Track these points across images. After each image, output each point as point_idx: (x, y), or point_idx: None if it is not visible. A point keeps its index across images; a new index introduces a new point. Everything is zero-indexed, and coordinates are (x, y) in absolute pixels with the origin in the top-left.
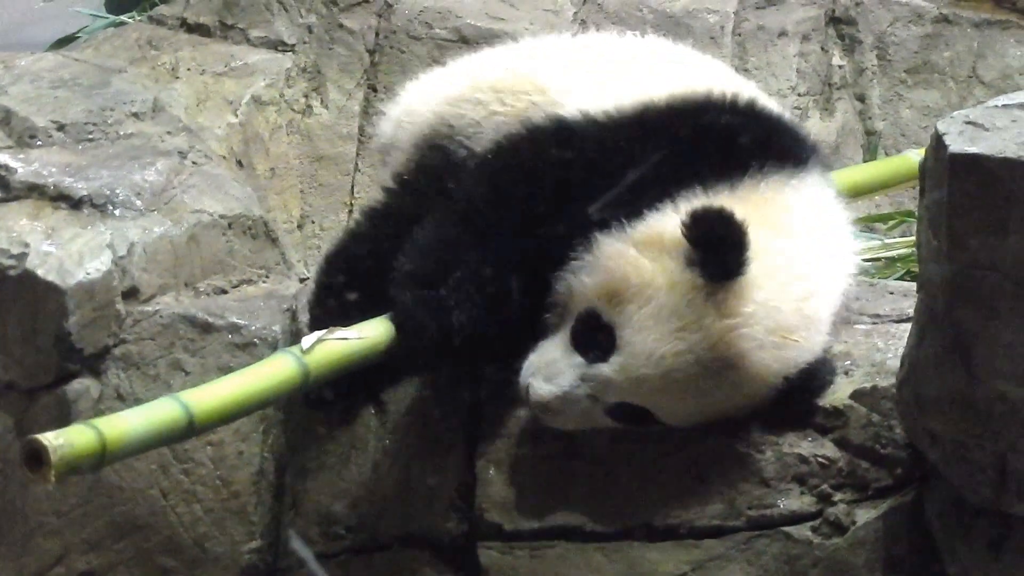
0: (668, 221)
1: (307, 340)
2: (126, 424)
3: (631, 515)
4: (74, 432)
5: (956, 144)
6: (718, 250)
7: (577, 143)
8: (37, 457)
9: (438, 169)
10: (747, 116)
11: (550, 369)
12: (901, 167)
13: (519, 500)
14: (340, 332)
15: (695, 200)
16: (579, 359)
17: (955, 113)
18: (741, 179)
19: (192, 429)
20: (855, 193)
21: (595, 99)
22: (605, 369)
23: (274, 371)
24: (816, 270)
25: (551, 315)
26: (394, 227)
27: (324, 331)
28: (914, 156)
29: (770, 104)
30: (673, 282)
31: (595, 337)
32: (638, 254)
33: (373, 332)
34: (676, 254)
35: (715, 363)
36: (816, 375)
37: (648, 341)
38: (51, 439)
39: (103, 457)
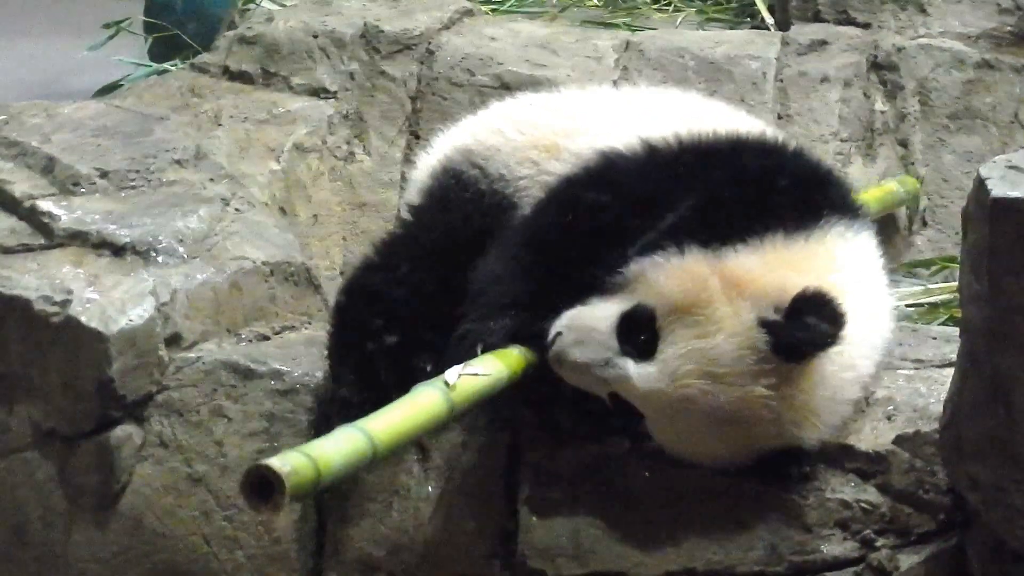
0: (755, 264)
1: (451, 374)
2: (328, 452)
3: (673, 560)
4: (294, 458)
5: (998, 188)
6: (804, 339)
7: (645, 167)
8: (260, 487)
9: (449, 191)
10: (810, 164)
11: (586, 335)
12: None
13: (561, 546)
14: (471, 368)
15: (778, 244)
16: (615, 343)
17: (997, 158)
18: (813, 229)
19: (375, 459)
20: None
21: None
22: (632, 369)
23: (428, 405)
24: (862, 352)
25: (614, 279)
26: (405, 255)
27: (461, 366)
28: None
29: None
30: (738, 331)
31: (640, 335)
32: (720, 287)
33: (494, 368)
34: (754, 307)
35: (730, 418)
36: (802, 455)
37: (684, 368)
38: (279, 466)
39: (318, 484)
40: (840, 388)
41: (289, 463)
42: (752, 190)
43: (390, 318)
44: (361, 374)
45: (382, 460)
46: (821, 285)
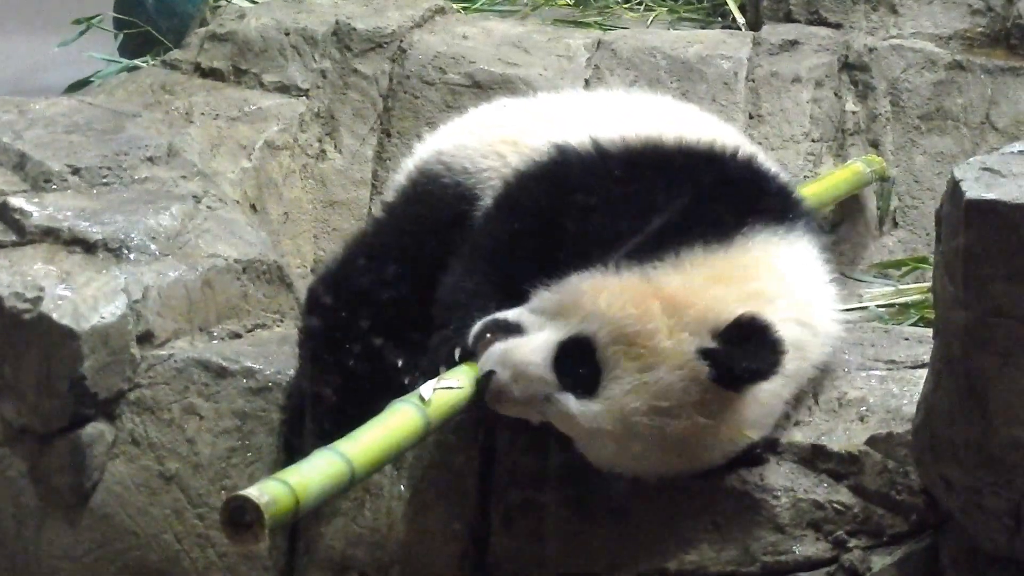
0: (681, 283)
1: (425, 390)
2: (306, 478)
3: (646, 561)
4: (272, 487)
5: (972, 190)
6: (744, 370)
7: (586, 171)
8: (238, 518)
9: (418, 187)
10: (744, 171)
11: (522, 371)
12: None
13: (534, 548)
14: (445, 381)
15: (697, 258)
16: (553, 377)
17: (971, 159)
18: (735, 238)
19: (352, 481)
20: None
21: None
22: (573, 406)
23: (404, 422)
24: (793, 361)
25: (544, 296)
26: (392, 256)
27: (435, 380)
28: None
29: (765, 160)
30: (681, 364)
31: (580, 369)
32: (660, 311)
33: (468, 380)
34: (693, 336)
35: (672, 446)
36: (750, 452)
37: (631, 406)
38: (257, 496)
39: (297, 512)
40: (770, 399)
41: (267, 492)
42: (675, 203)
43: (377, 320)
44: (344, 373)
45: (361, 481)
46: (757, 310)
